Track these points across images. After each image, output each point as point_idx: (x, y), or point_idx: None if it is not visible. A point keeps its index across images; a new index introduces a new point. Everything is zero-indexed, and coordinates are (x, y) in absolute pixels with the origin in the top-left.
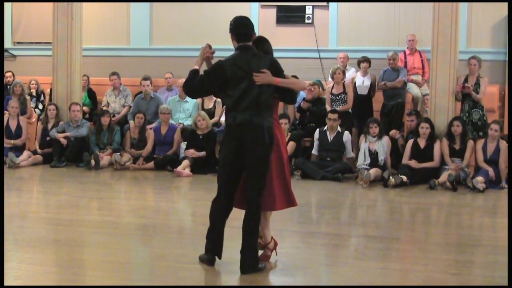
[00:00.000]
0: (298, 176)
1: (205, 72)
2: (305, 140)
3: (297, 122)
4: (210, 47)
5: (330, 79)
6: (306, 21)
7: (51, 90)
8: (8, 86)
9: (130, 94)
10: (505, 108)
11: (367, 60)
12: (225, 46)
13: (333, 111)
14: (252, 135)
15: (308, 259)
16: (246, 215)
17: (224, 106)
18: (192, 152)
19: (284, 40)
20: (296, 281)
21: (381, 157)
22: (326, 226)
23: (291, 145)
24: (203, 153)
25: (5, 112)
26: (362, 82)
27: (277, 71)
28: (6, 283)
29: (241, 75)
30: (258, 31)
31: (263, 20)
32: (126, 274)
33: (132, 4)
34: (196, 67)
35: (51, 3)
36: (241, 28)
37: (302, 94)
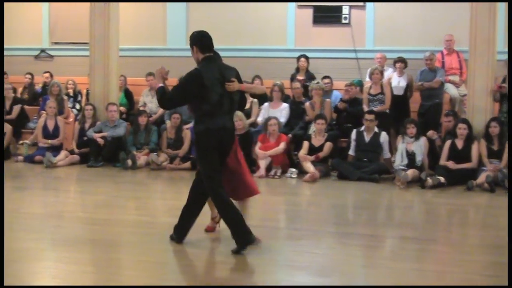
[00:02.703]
0: (334, 176)
1: (182, 82)
2: (342, 140)
3: (334, 122)
4: (164, 68)
5: (367, 79)
6: (343, 21)
7: (87, 90)
8: (46, 86)
9: None
10: None
11: (402, 60)
12: (262, 46)
13: (370, 112)
14: (229, 137)
15: (344, 260)
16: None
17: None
18: None
19: (320, 41)
20: (332, 282)
21: (418, 158)
22: (362, 227)
23: (327, 146)
24: None
25: (43, 112)
26: (398, 82)
27: (240, 79)
28: (43, 282)
29: (216, 83)
30: (294, 32)
31: (299, 21)
32: (162, 274)
33: (168, 4)
34: (161, 84)
35: (88, 4)
36: (206, 40)
37: (339, 94)
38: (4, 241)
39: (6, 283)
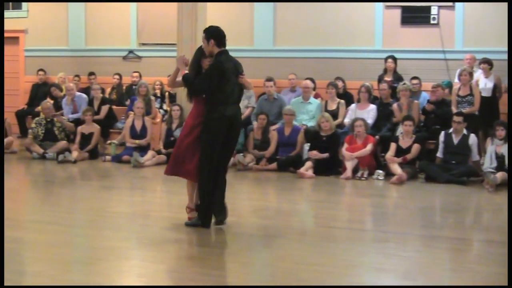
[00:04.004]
0: (422, 179)
1: (209, 72)
2: (430, 142)
3: (422, 124)
4: (185, 57)
5: (456, 80)
6: (432, 21)
7: (168, 91)
8: (134, 87)
9: (254, 95)
10: None
11: (487, 61)
12: (349, 47)
13: (459, 114)
14: (238, 125)
15: (431, 263)
16: (222, 180)
17: (208, 99)
18: (315, 154)
19: (408, 41)
20: (418, 285)
21: (508, 161)
22: (449, 230)
23: (415, 148)
24: (326, 155)
25: (131, 112)
26: (485, 84)
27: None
28: (129, 281)
29: (231, 75)
30: (382, 32)
31: (387, 21)
32: (247, 275)
33: (256, 4)
34: (186, 71)
35: (175, 4)
36: (222, 36)
37: (427, 96)
38: (78, 240)
39: (94, 282)
